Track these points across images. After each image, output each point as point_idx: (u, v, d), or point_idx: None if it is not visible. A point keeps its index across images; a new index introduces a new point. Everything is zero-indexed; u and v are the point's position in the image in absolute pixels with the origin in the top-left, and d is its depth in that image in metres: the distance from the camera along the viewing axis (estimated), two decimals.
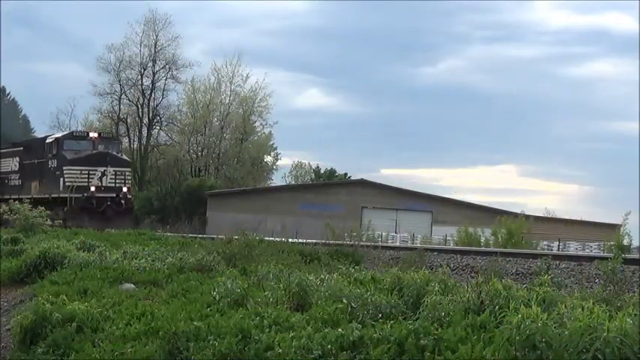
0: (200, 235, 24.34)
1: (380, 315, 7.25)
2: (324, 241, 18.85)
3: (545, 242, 37.81)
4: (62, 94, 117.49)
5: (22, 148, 37.64)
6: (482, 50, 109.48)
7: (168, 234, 22.12)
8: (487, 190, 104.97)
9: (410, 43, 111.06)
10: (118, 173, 32.38)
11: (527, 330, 5.42)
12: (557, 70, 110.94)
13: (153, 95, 63.98)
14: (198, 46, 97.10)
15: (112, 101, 64.17)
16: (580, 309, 5.94)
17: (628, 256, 13.72)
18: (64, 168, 32.14)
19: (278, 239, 19.04)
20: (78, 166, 31.91)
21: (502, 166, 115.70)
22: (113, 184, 32.06)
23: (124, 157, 36.00)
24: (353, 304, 7.63)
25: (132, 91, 64.31)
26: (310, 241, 19.40)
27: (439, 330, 6.29)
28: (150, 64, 63.39)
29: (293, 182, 78.05)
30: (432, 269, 11.88)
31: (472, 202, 59.29)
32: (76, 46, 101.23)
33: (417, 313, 7.12)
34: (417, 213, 55.69)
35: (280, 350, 6.67)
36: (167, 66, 63.42)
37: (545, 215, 58.56)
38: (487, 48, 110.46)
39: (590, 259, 14.17)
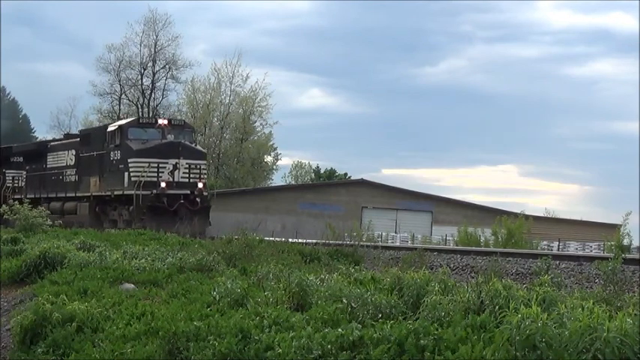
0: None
1: (380, 315, 7.24)
2: (324, 241, 18.86)
3: (545, 242, 37.82)
4: (62, 94, 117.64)
5: (78, 140, 33.11)
6: (484, 50, 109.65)
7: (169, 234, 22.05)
8: (488, 190, 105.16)
9: (411, 43, 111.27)
10: (192, 166, 27.46)
11: (527, 330, 5.42)
12: (558, 70, 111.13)
13: (153, 95, 64.02)
14: (200, 47, 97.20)
15: (112, 101, 64.24)
16: (580, 309, 5.93)
17: (628, 256, 13.71)
18: (129, 160, 27.48)
19: (278, 239, 19.06)
20: (145, 158, 27.02)
21: (503, 166, 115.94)
22: (187, 180, 27.22)
23: (199, 147, 30.34)
24: (353, 304, 7.63)
25: (132, 91, 64.36)
26: (310, 241, 19.42)
27: (439, 330, 6.28)
28: (150, 64, 63.39)
29: (293, 182, 78.06)
30: (432, 269, 11.89)
31: (472, 202, 59.34)
32: (77, 46, 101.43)
33: (417, 313, 7.12)
34: (417, 213, 55.69)
35: (280, 350, 6.67)
36: (167, 66, 63.42)
37: (545, 215, 58.61)
38: (489, 48, 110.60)
39: (590, 259, 14.16)
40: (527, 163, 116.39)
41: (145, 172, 26.45)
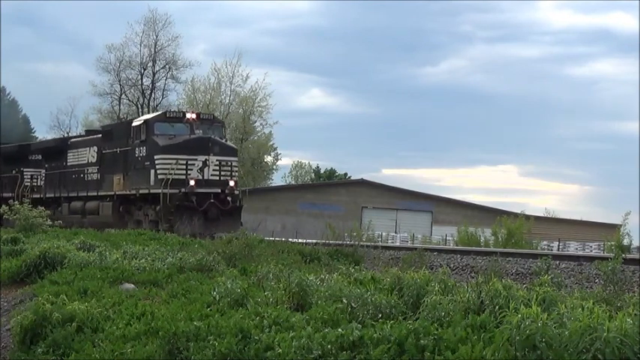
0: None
1: (380, 315, 7.24)
2: (324, 241, 18.86)
3: (545, 242, 37.84)
4: (62, 94, 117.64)
5: (100, 136, 31.16)
6: (485, 50, 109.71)
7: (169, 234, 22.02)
8: (488, 190, 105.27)
9: (412, 43, 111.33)
10: (222, 163, 25.67)
11: (527, 330, 5.42)
12: (559, 70, 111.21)
13: (153, 95, 64.01)
14: (200, 47, 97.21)
15: (112, 101, 64.25)
16: (580, 309, 5.93)
17: (628, 256, 13.71)
18: (155, 157, 25.73)
19: (278, 239, 19.06)
20: (173, 155, 25.31)
21: (503, 166, 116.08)
22: (217, 177, 25.46)
23: (230, 143, 28.14)
24: (353, 304, 7.63)
25: (132, 91, 64.35)
26: (310, 241, 19.42)
27: (439, 330, 6.28)
28: (150, 64, 63.41)
29: (293, 182, 78.05)
30: (432, 269, 11.89)
31: (472, 202, 59.41)
32: (77, 46, 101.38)
33: (417, 313, 7.12)
34: (417, 213, 55.76)
35: (280, 350, 6.67)
36: (167, 66, 63.43)
37: (545, 215, 58.65)
38: (489, 48, 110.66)
39: (590, 259, 14.17)
40: (528, 163, 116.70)
41: (173, 169, 24.89)
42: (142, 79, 63.71)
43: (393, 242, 38.97)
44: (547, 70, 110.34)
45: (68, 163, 33.04)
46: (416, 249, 16.34)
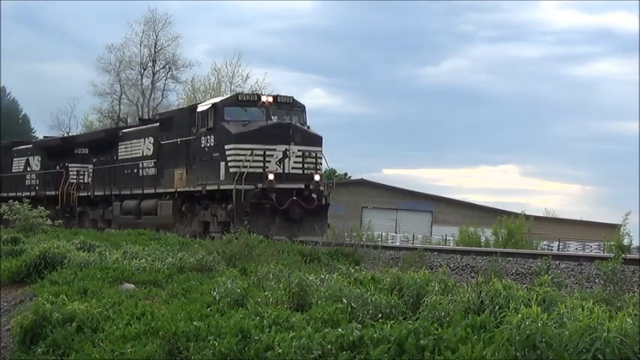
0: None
1: (380, 315, 7.25)
2: (324, 241, 18.83)
3: (545, 242, 37.85)
4: (62, 94, 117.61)
5: (157, 124, 27.38)
6: (486, 50, 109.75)
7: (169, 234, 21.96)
8: (488, 190, 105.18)
9: (413, 43, 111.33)
10: (306, 154, 21.97)
11: (527, 330, 5.42)
12: (560, 70, 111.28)
13: (153, 95, 63.97)
14: (202, 47, 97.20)
15: (112, 101, 64.27)
16: (580, 309, 5.94)
17: (628, 256, 13.71)
18: (226, 147, 21.98)
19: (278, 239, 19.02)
20: (248, 144, 21.61)
21: (504, 166, 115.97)
22: (300, 171, 21.85)
23: (313, 130, 23.42)
24: (353, 304, 7.63)
25: (132, 91, 64.35)
26: (310, 239, 19.39)
27: (439, 330, 6.29)
28: (150, 64, 63.41)
29: None
30: (432, 269, 11.88)
31: (472, 202, 59.44)
32: (77, 46, 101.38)
33: (417, 313, 7.12)
34: (417, 213, 55.75)
35: (280, 350, 6.67)
36: (167, 66, 63.41)
37: (545, 215, 58.66)
38: (491, 48, 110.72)
39: (590, 259, 14.16)
40: (529, 163, 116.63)
41: (248, 161, 21.33)
42: (142, 79, 63.71)
43: (393, 242, 38.98)
44: (548, 70, 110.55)
45: (119, 157, 29.54)
46: (416, 249, 16.33)
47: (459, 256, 16.42)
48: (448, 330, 6.24)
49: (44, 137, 38.53)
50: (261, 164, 21.43)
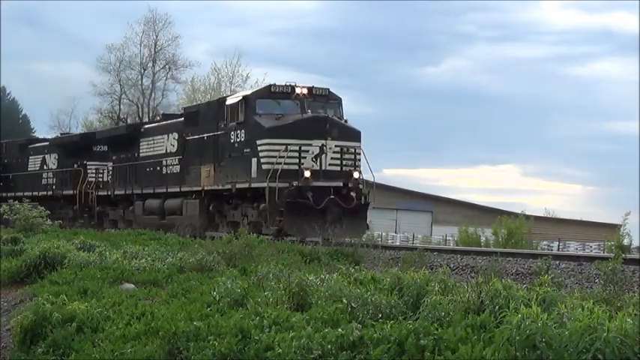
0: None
1: (380, 315, 7.24)
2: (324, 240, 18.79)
3: (545, 242, 37.85)
4: (62, 94, 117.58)
5: (182, 119, 25.83)
6: (486, 50, 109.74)
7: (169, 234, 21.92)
8: (488, 190, 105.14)
9: (414, 43, 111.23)
10: (344, 150, 20.71)
11: (527, 330, 5.42)
12: (560, 70, 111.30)
13: (153, 95, 64.01)
14: (202, 47, 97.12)
15: (112, 101, 64.27)
16: (580, 309, 5.94)
17: (628, 256, 13.71)
18: (258, 142, 20.73)
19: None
20: (282, 139, 20.41)
21: (504, 166, 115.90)
22: (338, 167, 20.62)
23: (351, 124, 22.06)
24: (353, 304, 7.63)
25: (132, 91, 64.37)
26: (310, 239, 19.37)
27: (439, 330, 6.28)
28: (150, 64, 63.43)
29: None
30: (432, 269, 11.88)
31: (472, 202, 59.46)
32: (77, 46, 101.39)
33: (417, 313, 7.12)
34: (417, 213, 55.74)
35: (280, 350, 6.67)
36: (167, 66, 63.42)
37: (545, 215, 58.70)
38: (491, 48, 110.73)
39: (590, 259, 14.15)
40: (529, 162, 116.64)
41: (282, 157, 20.11)
42: (142, 79, 63.72)
43: (393, 242, 38.98)
44: (548, 70, 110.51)
45: (141, 154, 28.20)
46: (416, 249, 16.33)
47: (459, 256, 16.42)
48: (448, 330, 6.24)
49: (61, 134, 37.34)
50: (297, 160, 20.29)
